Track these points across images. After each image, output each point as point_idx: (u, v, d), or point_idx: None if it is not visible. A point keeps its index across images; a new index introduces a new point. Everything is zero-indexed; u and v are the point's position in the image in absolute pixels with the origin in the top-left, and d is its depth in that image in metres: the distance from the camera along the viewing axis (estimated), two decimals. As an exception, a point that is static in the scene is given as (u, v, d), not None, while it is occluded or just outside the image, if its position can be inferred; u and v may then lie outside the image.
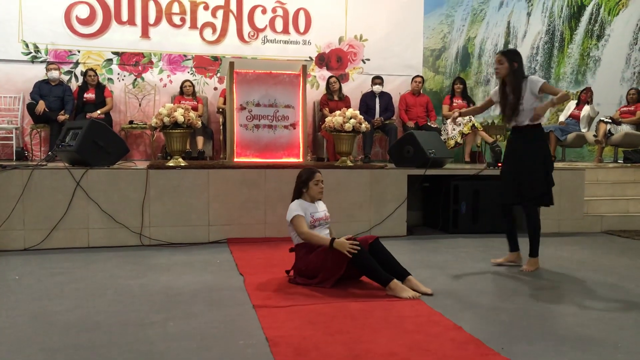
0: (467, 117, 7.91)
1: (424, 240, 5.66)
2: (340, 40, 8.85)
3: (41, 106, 7.27)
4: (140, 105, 8.19)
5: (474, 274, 4.17)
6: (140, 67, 8.21)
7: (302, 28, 8.68)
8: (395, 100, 8.62)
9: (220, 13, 8.42)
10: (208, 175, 5.35)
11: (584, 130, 8.59)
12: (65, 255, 4.68)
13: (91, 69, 7.74)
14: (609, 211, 6.66)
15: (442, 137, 7.84)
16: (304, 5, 8.67)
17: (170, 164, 5.48)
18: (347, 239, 3.59)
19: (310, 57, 8.58)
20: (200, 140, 7.65)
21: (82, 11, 7.95)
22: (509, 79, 4.20)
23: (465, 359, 2.48)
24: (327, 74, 8.63)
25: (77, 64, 7.99)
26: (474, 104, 8.57)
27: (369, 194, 5.70)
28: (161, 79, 8.28)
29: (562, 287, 3.84)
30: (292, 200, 3.89)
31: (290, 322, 2.95)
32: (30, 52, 7.82)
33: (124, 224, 5.10)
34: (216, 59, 8.40)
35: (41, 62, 7.83)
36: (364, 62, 8.93)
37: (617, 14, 9.79)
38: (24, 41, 7.79)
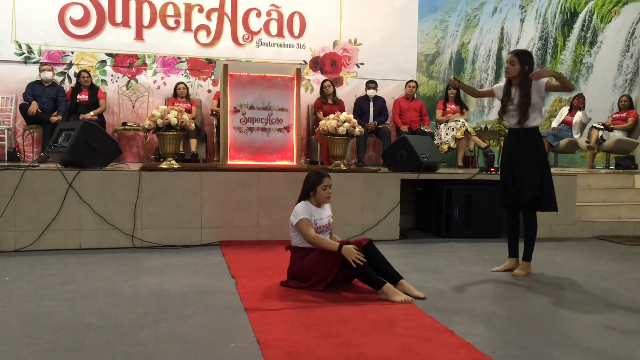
0: (461, 122, 7.94)
1: (417, 244, 5.67)
2: (335, 44, 8.87)
3: (34, 107, 7.24)
4: (133, 107, 8.17)
5: (466, 278, 4.18)
6: (134, 69, 8.19)
7: (296, 31, 8.70)
8: (389, 105, 8.64)
9: (214, 16, 8.42)
10: (201, 177, 5.34)
11: (576, 136, 8.63)
12: (57, 257, 4.66)
13: (85, 71, 7.72)
14: (601, 217, 6.69)
15: (436, 142, 7.86)
16: (299, 8, 8.68)
17: (163, 166, 5.46)
18: (340, 242, 3.60)
19: (304, 61, 8.59)
20: (193, 142, 7.64)
21: (76, 12, 7.93)
22: (520, 82, 4.17)
23: (456, 362, 2.49)
24: (322, 77, 8.64)
25: (70, 65, 7.97)
26: (467, 109, 8.61)
27: (362, 198, 5.70)
28: (155, 81, 8.26)
29: (554, 292, 3.85)
30: (299, 201, 3.84)
31: (282, 325, 2.95)
32: (24, 53, 7.79)
33: (116, 226, 5.08)
34: (210, 61, 8.40)
35: (34, 62, 7.80)
36: (358, 66, 8.94)
37: (610, 21, 9.86)
38: (17, 42, 7.75)
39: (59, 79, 7.88)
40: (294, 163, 6.04)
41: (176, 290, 3.64)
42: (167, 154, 5.57)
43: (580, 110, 8.71)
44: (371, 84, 8.41)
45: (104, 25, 8.03)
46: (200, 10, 8.37)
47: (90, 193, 5.04)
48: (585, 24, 9.85)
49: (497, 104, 8.86)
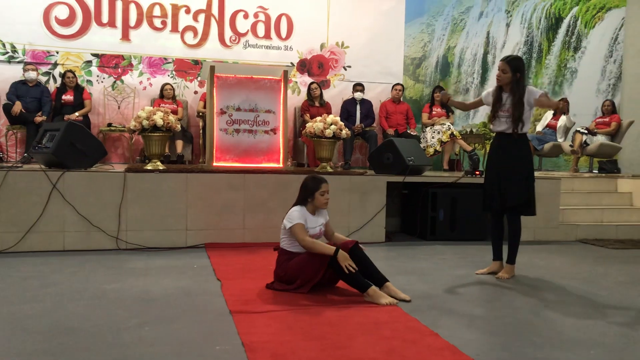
0: (446, 125, 7.99)
1: (402, 247, 5.69)
2: (322, 46, 8.88)
3: (17, 107, 7.17)
4: (119, 107, 8.12)
5: (451, 281, 4.20)
6: (120, 70, 8.14)
7: (284, 33, 8.70)
8: (376, 108, 8.67)
9: (201, 17, 8.40)
10: (187, 179, 5.32)
11: (560, 140, 8.72)
12: (40, 259, 4.61)
13: (70, 71, 7.66)
14: (584, 220, 6.77)
15: (421, 145, 7.90)
16: (286, 10, 8.68)
17: (149, 167, 5.43)
18: (335, 245, 3.60)
19: (291, 63, 8.59)
20: (179, 144, 7.61)
21: (62, 12, 7.86)
22: (511, 89, 4.20)
23: (441, 365, 2.50)
24: (309, 79, 8.65)
25: (55, 65, 7.90)
26: (452, 112, 8.66)
27: (348, 200, 5.71)
28: (141, 82, 8.22)
29: (538, 295, 3.88)
30: (295, 205, 3.82)
31: (268, 327, 2.94)
32: (7, 52, 7.71)
33: (100, 228, 5.05)
34: (197, 62, 8.37)
35: (18, 62, 7.72)
36: (345, 69, 8.97)
37: (593, 26, 9.99)
38: (1, 41, 7.67)
39: (43, 79, 7.81)
40: (281, 165, 6.04)
41: (161, 293, 3.62)
42: (153, 156, 5.54)
43: (564, 115, 8.80)
44: (358, 86, 8.43)
45: (90, 25, 7.97)
46: (187, 11, 8.34)
47: (75, 194, 5.00)
48: (570, 29, 9.96)
49: (482, 108, 8.95)
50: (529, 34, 9.84)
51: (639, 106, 9.56)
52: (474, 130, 9.13)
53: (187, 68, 8.40)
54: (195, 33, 8.38)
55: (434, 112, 8.44)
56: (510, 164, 4.26)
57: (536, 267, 4.84)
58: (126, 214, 5.12)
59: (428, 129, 8.21)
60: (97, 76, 8.06)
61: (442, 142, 7.94)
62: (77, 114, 7.47)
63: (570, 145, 8.42)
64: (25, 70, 7.50)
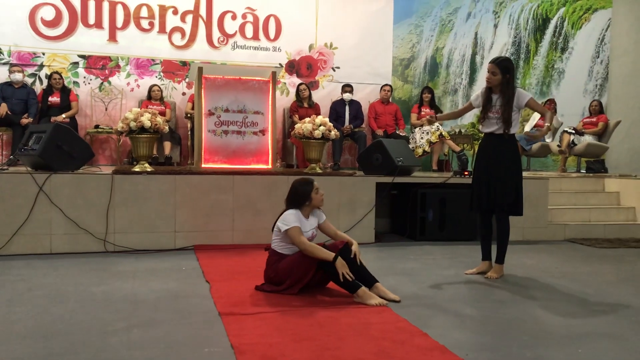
0: (435, 126, 8.01)
1: (392, 248, 5.69)
2: (311, 47, 8.87)
3: (3, 109, 7.10)
4: (106, 109, 8.06)
5: (440, 281, 4.21)
6: (107, 71, 8.08)
7: (272, 34, 8.68)
8: (365, 109, 8.67)
9: (189, 18, 8.36)
10: (175, 181, 5.29)
11: (548, 140, 8.77)
12: (27, 262, 4.56)
13: (56, 72, 7.59)
14: (572, 220, 6.81)
15: (410, 146, 7.91)
16: (275, 12, 8.66)
17: (137, 169, 5.40)
18: (319, 244, 3.59)
19: (280, 64, 8.57)
20: (167, 145, 7.56)
21: (48, 13, 7.79)
22: (501, 90, 4.23)
23: (430, 365, 2.50)
24: (297, 81, 8.64)
25: (41, 66, 7.83)
26: (441, 112, 8.68)
27: (338, 201, 5.71)
28: (128, 83, 8.16)
29: (526, 294, 3.90)
30: (286, 209, 3.78)
31: (257, 329, 2.93)
32: (-7, 54, 7.64)
33: (87, 230, 5.00)
34: (185, 63, 8.33)
35: (4, 64, 7.64)
36: (334, 70, 8.96)
37: (580, 27, 10.07)
38: (-14, 42, 7.60)
39: (29, 80, 7.74)
40: (269, 166, 6.02)
41: (149, 295, 3.59)
42: (141, 157, 5.50)
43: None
44: (347, 87, 8.43)
45: (77, 26, 7.91)
46: (175, 12, 8.30)
47: (62, 197, 4.95)
48: (557, 29, 10.04)
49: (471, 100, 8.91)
50: (516, 34, 9.90)
51: (626, 106, 9.67)
52: (463, 130, 9.17)
53: (175, 69, 8.35)
54: (183, 34, 8.34)
55: (422, 113, 8.46)
56: (498, 164, 4.28)
57: (525, 267, 4.86)
58: (114, 217, 5.08)
59: (417, 129, 8.23)
60: (84, 77, 8.00)
61: (431, 143, 7.96)
62: (63, 115, 7.40)
63: (558, 146, 8.48)
64: (10, 71, 7.43)
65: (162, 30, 8.25)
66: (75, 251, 4.97)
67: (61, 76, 7.61)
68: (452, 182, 6.27)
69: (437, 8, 9.59)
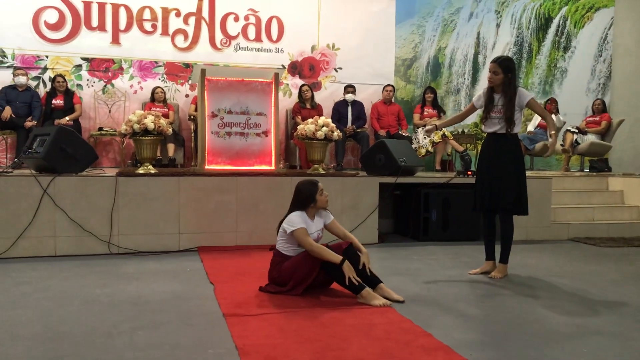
0: (438, 126, 8.00)
1: (395, 248, 5.69)
2: (313, 48, 8.88)
3: (7, 112, 7.12)
4: (110, 111, 8.09)
5: (444, 281, 4.21)
6: (110, 74, 8.10)
7: (274, 36, 8.69)
8: (367, 109, 8.67)
9: (192, 20, 8.38)
10: (178, 182, 5.30)
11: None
12: (31, 264, 4.58)
13: (60, 75, 7.62)
14: (575, 219, 6.80)
15: (413, 146, 7.92)
16: (277, 13, 8.68)
17: (140, 171, 5.41)
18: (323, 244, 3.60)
19: (282, 65, 8.58)
20: (171, 147, 7.58)
21: (51, 16, 7.82)
22: (504, 90, 4.23)
23: (434, 365, 2.50)
24: (300, 82, 8.64)
25: (45, 69, 7.86)
26: (444, 113, 8.68)
27: (341, 202, 5.71)
28: (131, 86, 8.18)
29: (530, 294, 3.89)
30: (290, 211, 3.77)
31: (260, 330, 2.94)
32: (-3, 57, 7.67)
33: (92, 232, 5.02)
34: (188, 66, 8.35)
35: (8, 67, 7.67)
36: (336, 71, 8.97)
37: (583, 26, 10.05)
38: (-10, 46, 7.64)
39: (33, 83, 7.77)
40: (273, 168, 6.03)
41: (153, 297, 3.60)
42: (144, 159, 5.52)
43: (553, 115, 8.85)
44: (349, 88, 8.43)
45: (80, 29, 7.93)
46: (178, 14, 8.32)
47: (66, 199, 4.97)
48: (559, 29, 10.02)
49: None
50: (518, 34, 9.89)
51: (629, 105, 9.64)
52: (466, 130, 9.16)
53: (178, 71, 8.37)
54: (186, 36, 8.36)
55: (425, 113, 8.46)
56: (502, 164, 4.28)
57: (528, 266, 4.85)
58: (118, 219, 5.10)
59: (420, 129, 8.23)
60: (88, 80, 8.02)
61: (434, 143, 7.96)
62: (67, 118, 7.43)
63: (561, 145, 8.47)
64: (14, 75, 7.46)
65: (165, 32, 8.27)
66: (80, 253, 4.99)
67: (64, 79, 7.64)
68: (456, 182, 6.27)
69: (439, 8, 9.58)
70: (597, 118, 8.69)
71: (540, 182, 6.40)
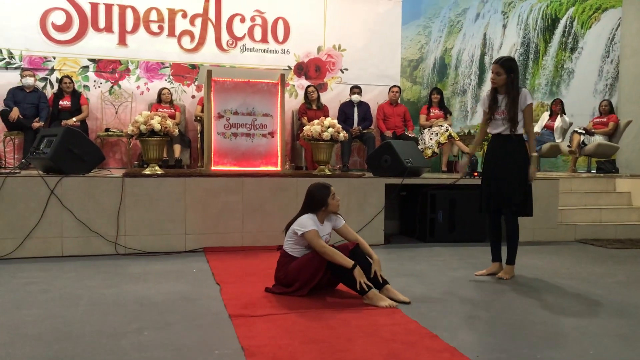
0: (444, 127, 7.99)
1: (401, 249, 5.69)
2: (319, 49, 8.88)
3: (15, 113, 7.16)
4: (116, 112, 8.12)
5: (450, 283, 4.20)
6: (117, 75, 8.14)
7: (280, 37, 8.70)
8: (373, 110, 8.67)
9: (198, 21, 8.40)
10: (185, 183, 5.31)
11: (558, 140, 8.73)
12: (39, 265, 4.60)
13: (67, 76, 7.65)
14: (582, 220, 6.77)
15: (419, 147, 7.90)
16: (283, 14, 8.69)
17: (147, 172, 5.43)
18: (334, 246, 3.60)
19: (288, 66, 8.59)
20: (177, 148, 7.60)
21: (58, 17, 7.86)
22: (507, 91, 4.20)
23: (440, 367, 2.50)
24: (306, 83, 8.65)
25: (52, 70, 7.90)
26: (450, 114, 8.67)
27: (347, 203, 5.71)
28: (138, 87, 8.21)
29: (537, 295, 3.88)
30: (301, 213, 3.76)
31: (267, 331, 2.94)
32: (4, 59, 7.71)
33: (98, 233, 5.04)
34: (194, 67, 8.37)
35: (15, 68, 7.72)
36: (342, 72, 8.97)
37: (590, 27, 10.01)
38: (-2, 47, 7.68)
39: (40, 84, 7.81)
40: (279, 168, 6.03)
41: (159, 298, 3.61)
42: (151, 160, 5.54)
43: (559, 116, 8.82)
44: (355, 89, 8.43)
45: (87, 30, 7.97)
46: (184, 15, 8.34)
47: (73, 200, 4.99)
48: (566, 30, 9.99)
49: (480, 108, 8.91)
50: (525, 35, 9.86)
51: (637, 106, 9.60)
52: (472, 131, 9.14)
53: (184, 72, 8.40)
54: (192, 37, 8.38)
55: (431, 114, 8.45)
56: (507, 165, 4.26)
57: (535, 268, 4.83)
58: (124, 219, 5.12)
59: (426, 130, 8.22)
60: (94, 81, 8.06)
61: (440, 144, 7.94)
62: (74, 119, 7.46)
63: (568, 146, 8.44)
64: (22, 76, 7.50)
65: (171, 33, 8.30)
66: (86, 254, 5.00)
67: (72, 80, 7.67)
68: (462, 183, 6.26)
69: (445, 9, 9.57)
70: (605, 119, 8.66)
71: (547, 184, 6.38)
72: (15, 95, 7.41)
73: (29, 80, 7.45)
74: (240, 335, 2.84)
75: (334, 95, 8.88)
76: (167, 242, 5.23)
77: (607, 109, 8.72)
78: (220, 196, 5.40)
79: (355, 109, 8.38)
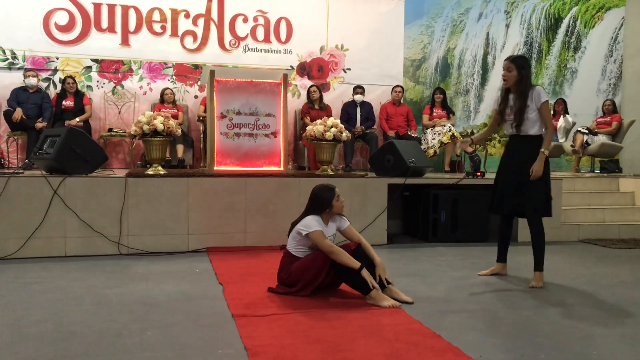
0: (447, 127, 7.98)
1: (404, 249, 5.68)
2: (322, 49, 8.88)
3: (18, 113, 7.17)
4: (119, 112, 8.12)
5: (453, 283, 4.20)
6: (120, 75, 8.14)
7: (283, 37, 8.70)
8: (376, 110, 8.66)
9: (201, 21, 8.40)
10: (188, 183, 5.32)
11: (561, 140, 8.71)
12: (42, 265, 4.61)
13: (70, 76, 7.66)
14: (586, 220, 6.75)
15: (422, 147, 7.90)
16: (286, 14, 8.69)
17: (150, 172, 5.43)
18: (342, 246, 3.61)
19: (291, 66, 8.59)
20: (180, 148, 7.60)
21: (61, 18, 7.87)
22: (517, 89, 4.09)
23: (443, 367, 2.49)
24: (309, 83, 8.64)
25: (55, 71, 7.90)
26: (453, 114, 8.66)
27: (350, 203, 5.70)
28: (141, 87, 8.22)
29: (540, 295, 3.87)
30: (305, 214, 3.75)
31: (269, 331, 2.94)
32: (7, 59, 7.72)
33: (101, 233, 5.05)
34: (197, 67, 8.38)
35: (18, 68, 7.73)
36: (345, 72, 8.96)
37: (593, 26, 9.99)
38: (1, 47, 7.68)
39: (43, 85, 7.82)
40: (281, 168, 6.03)
41: (163, 297, 3.62)
42: (154, 160, 5.54)
43: (562, 116, 8.81)
44: (358, 89, 8.42)
45: (90, 30, 7.98)
46: (187, 15, 8.34)
47: (76, 200, 5.00)
48: (570, 29, 9.96)
49: (483, 108, 8.90)
50: (528, 34, 9.84)
51: (640, 105, 9.57)
52: (475, 131, 9.13)
53: (187, 72, 8.40)
54: (195, 37, 8.38)
55: (434, 114, 8.44)
56: (523, 167, 4.10)
57: (538, 268, 4.82)
58: (127, 219, 5.12)
59: (429, 130, 8.21)
60: (97, 81, 8.06)
61: (442, 144, 7.93)
62: (77, 119, 7.47)
63: (572, 146, 8.42)
64: (25, 76, 7.51)
65: (174, 33, 8.30)
66: (90, 254, 5.01)
67: (75, 80, 7.68)
68: (465, 183, 6.25)
69: (448, 8, 9.56)
70: (608, 119, 8.64)
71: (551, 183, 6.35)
72: (19, 95, 7.42)
73: (32, 81, 7.46)
74: (244, 335, 2.84)
75: (336, 95, 8.87)
76: (170, 242, 5.23)
77: (611, 109, 8.70)
78: (223, 196, 5.40)
79: (358, 109, 8.37)
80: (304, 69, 8.80)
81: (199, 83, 8.36)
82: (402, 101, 8.65)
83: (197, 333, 2.91)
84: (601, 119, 8.74)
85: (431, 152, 7.91)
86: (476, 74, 9.65)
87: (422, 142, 8.12)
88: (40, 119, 7.29)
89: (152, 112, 5.57)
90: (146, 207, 5.18)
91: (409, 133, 8.34)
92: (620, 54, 10.03)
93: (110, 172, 5.88)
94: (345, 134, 6.06)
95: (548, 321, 3.24)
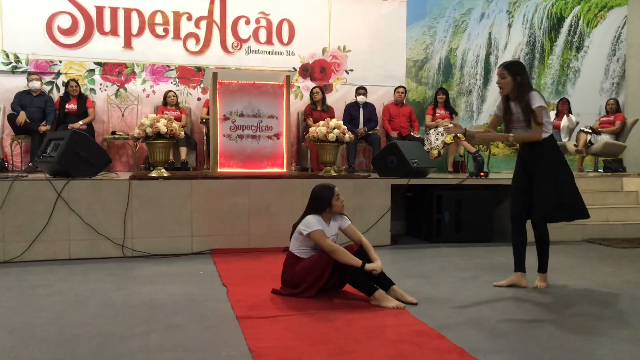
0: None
1: (408, 250, 5.68)
2: (324, 51, 8.88)
3: (22, 117, 7.19)
4: (122, 115, 8.14)
5: (457, 284, 4.19)
6: (122, 78, 8.16)
7: (285, 39, 8.71)
8: (379, 111, 8.66)
9: (203, 24, 8.42)
10: (191, 185, 5.32)
11: (564, 140, 8.70)
12: (46, 268, 4.62)
13: (73, 80, 7.68)
14: (590, 220, 6.68)
15: (425, 147, 7.88)
16: (288, 16, 8.69)
17: (153, 174, 5.45)
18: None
19: (293, 68, 8.60)
20: (183, 150, 7.62)
21: (64, 21, 7.89)
22: (516, 96, 4.00)
23: (448, 368, 2.49)
24: (311, 84, 8.65)
25: (58, 74, 7.93)
26: (456, 114, 8.66)
27: (353, 204, 5.70)
28: (144, 90, 8.23)
29: (544, 296, 3.86)
30: (306, 214, 3.75)
31: (274, 332, 2.94)
32: (11, 63, 7.74)
33: (105, 236, 5.05)
34: (199, 69, 8.39)
35: (22, 72, 7.75)
36: (348, 73, 8.96)
37: (596, 26, 9.97)
38: (4, 51, 7.71)
39: (47, 88, 7.84)
40: (284, 170, 6.04)
41: (167, 300, 3.62)
42: (157, 163, 5.55)
43: (565, 115, 8.79)
44: (361, 90, 8.43)
45: (92, 33, 8.00)
46: (189, 18, 8.36)
47: (80, 203, 5.01)
48: (572, 28, 9.95)
49: (486, 108, 8.87)
50: (530, 34, 9.83)
51: (643, 104, 9.55)
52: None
53: (189, 75, 8.42)
54: (198, 40, 8.40)
55: (437, 114, 8.43)
56: (538, 172, 4.03)
57: (543, 268, 4.81)
58: (131, 222, 5.13)
59: (432, 131, 8.20)
60: (100, 84, 8.09)
61: (445, 144, 7.92)
62: (80, 122, 7.49)
63: (575, 145, 8.40)
64: (29, 80, 7.54)
65: (176, 36, 8.32)
66: (94, 256, 5.02)
67: (78, 83, 7.70)
68: (468, 183, 6.24)
69: (450, 9, 9.55)
70: (611, 118, 8.62)
71: (553, 183, 6.34)
72: (22, 99, 7.44)
73: (36, 84, 7.48)
74: (248, 337, 2.85)
75: (339, 97, 8.87)
76: (174, 245, 5.24)
77: (614, 108, 8.68)
78: (226, 198, 5.41)
79: (361, 110, 8.37)
80: (306, 71, 8.81)
81: (201, 85, 8.37)
82: (404, 102, 8.65)
83: (201, 335, 2.92)
84: (604, 118, 8.72)
85: (435, 153, 7.90)
86: (479, 74, 9.64)
87: (425, 142, 8.11)
88: (43, 123, 7.31)
89: (155, 115, 5.58)
90: (150, 210, 5.18)
91: (412, 134, 8.34)
92: (623, 52, 10.01)
93: (114, 174, 5.90)
94: (348, 135, 6.06)
95: (553, 321, 3.24)
